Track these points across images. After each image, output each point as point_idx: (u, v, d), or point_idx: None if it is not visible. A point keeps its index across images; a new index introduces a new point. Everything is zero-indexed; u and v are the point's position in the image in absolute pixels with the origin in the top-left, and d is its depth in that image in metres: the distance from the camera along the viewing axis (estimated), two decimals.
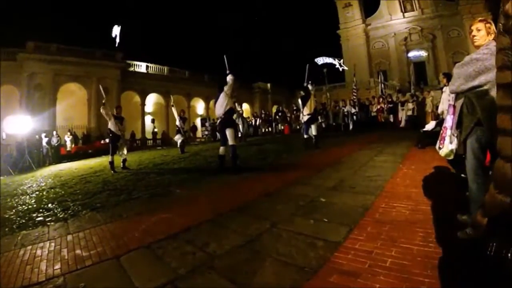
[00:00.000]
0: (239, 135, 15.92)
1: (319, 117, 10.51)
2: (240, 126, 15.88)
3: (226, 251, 2.79)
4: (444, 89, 6.81)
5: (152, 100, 32.51)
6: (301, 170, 6.46)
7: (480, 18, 2.85)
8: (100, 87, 10.61)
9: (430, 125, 8.34)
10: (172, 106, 13.34)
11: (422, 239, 2.58)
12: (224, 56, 7.56)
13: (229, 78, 6.90)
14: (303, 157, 8.54)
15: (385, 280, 2.08)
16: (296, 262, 2.46)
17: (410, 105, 16.03)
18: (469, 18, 30.26)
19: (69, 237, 3.61)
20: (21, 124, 15.70)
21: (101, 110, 8.87)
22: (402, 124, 16.49)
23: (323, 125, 19.35)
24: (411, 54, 36.19)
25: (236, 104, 14.02)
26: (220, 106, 6.88)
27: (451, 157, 3.52)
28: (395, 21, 39.71)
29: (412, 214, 3.21)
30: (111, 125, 8.91)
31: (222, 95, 6.87)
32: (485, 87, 2.49)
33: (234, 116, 7.86)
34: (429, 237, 2.61)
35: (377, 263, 2.28)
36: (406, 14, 38.94)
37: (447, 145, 3.43)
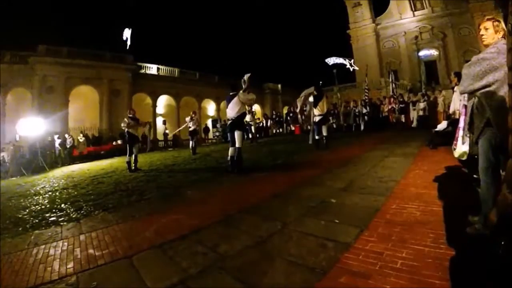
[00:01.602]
0: (250, 137, 15.98)
1: (330, 118, 10.46)
2: (252, 128, 15.98)
3: (236, 251, 2.80)
4: (455, 89, 6.75)
5: (163, 101, 32.72)
6: (311, 170, 6.44)
7: (488, 17, 2.83)
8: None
9: (441, 125, 8.26)
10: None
11: (433, 240, 2.56)
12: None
13: (245, 77, 6.98)
14: (313, 158, 8.51)
15: (395, 281, 2.06)
16: (306, 263, 2.45)
17: (421, 105, 15.90)
18: (480, 16, 29.78)
19: (82, 237, 3.67)
20: (34, 126, 15.95)
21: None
22: (414, 124, 16.35)
23: (334, 125, 19.27)
24: (422, 53, 35.72)
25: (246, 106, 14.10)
26: (233, 109, 6.94)
27: (465, 158, 3.50)
28: (405, 20, 39.29)
29: (423, 215, 3.18)
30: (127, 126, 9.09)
31: (236, 99, 6.92)
32: (494, 87, 2.47)
33: (246, 118, 7.92)
34: (440, 238, 2.59)
35: (387, 264, 2.27)
36: (416, 13, 38.51)
37: (460, 146, 3.42)
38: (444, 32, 36.83)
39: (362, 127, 17.84)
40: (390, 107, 18.63)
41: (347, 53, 37.81)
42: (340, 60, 26.88)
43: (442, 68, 36.21)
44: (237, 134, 6.82)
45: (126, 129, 9.17)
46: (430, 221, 3.01)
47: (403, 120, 17.70)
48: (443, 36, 36.86)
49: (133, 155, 9.19)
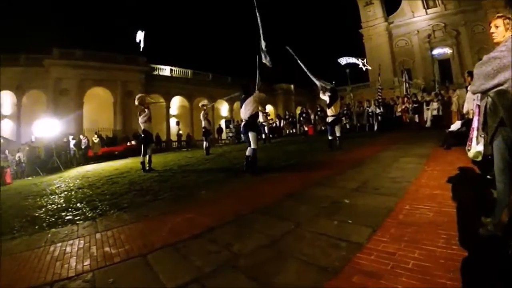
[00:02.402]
0: (263, 137, 16.01)
1: (343, 118, 10.38)
2: (266, 129, 16.03)
3: (249, 251, 2.84)
4: (469, 88, 6.67)
5: (176, 102, 32.96)
6: (324, 171, 6.45)
7: (498, 15, 2.82)
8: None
9: (455, 125, 8.16)
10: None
11: (445, 241, 2.57)
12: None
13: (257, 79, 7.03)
14: (326, 158, 8.51)
15: (407, 281, 2.08)
16: (319, 263, 2.49)
17: (435, 105, 15.63)
18: (493, 13, 29.19)
19: (98, 235, 3.75)
20: (49, 127, 16.34)
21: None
22: (428, 124, 16.09)
23: (347, 126, 19.18)
24: (435, 51, 35.02)
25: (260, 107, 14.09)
26: (247, 110, 7.00)
27: (479, 159, 3.46)
28: (417, 18, 38.80)
29: (436, 216, 3.18)
30: (145, 125, 9.16)
31: (250, 100, 6.98)
32: (506, 85, 2.45)
33: (260, 119, 7.97)
34: (452, 239, 2.59)
35: (399, 264, 2.29)
36: (429, 11, 38.02)
37: (474, 147, 3.39)
38: (457, 29, 36.26)
39: (375, 127, 17.68)
40: (403, 107, 18.43)
41: (360, 52, 37.47)
42: (352, 60, 26.67)
43: (456, 67, 35.70)
44: (251, 135, 6.87)
45: (142, 126, 9.16)
46: (443, 222, 3.01)
47: (416, 120, 17.47)
48: (456, 34, 36.31)
49: (147, 156, 9.25)
